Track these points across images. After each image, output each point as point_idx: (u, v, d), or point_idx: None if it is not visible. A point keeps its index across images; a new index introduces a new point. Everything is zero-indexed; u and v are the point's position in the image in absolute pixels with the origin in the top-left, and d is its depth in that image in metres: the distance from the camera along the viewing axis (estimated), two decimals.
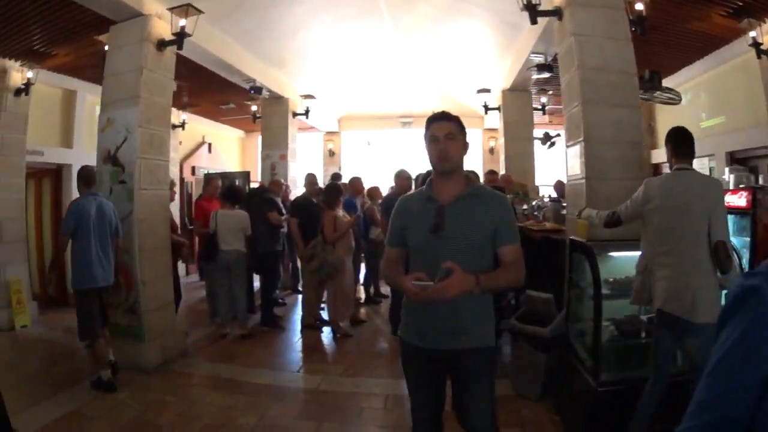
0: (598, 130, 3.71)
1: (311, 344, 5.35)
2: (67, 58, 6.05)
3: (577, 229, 3.68)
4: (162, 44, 4.69)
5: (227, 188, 5.73)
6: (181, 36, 4.61)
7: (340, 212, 5.37)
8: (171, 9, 4.60)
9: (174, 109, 9.03)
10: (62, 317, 6.12)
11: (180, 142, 9.68)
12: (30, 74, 6.06)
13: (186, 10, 4.57)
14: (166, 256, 4.90)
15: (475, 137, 11.04)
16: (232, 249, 5.33)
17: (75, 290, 4.06)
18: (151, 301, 4.58)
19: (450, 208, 1.91)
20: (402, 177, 5.51)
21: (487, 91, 8.10)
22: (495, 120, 9.38)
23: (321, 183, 9.57)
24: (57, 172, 7.24)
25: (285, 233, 6.20)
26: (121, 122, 4.56)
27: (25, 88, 6.09)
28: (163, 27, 4.69)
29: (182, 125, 9.45)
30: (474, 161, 10.68)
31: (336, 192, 5.39)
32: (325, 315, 5.80)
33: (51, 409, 3.61)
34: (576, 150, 3.89)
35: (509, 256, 1.91)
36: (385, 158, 11.74)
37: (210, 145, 11.07)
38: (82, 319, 3.94)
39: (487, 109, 8.18)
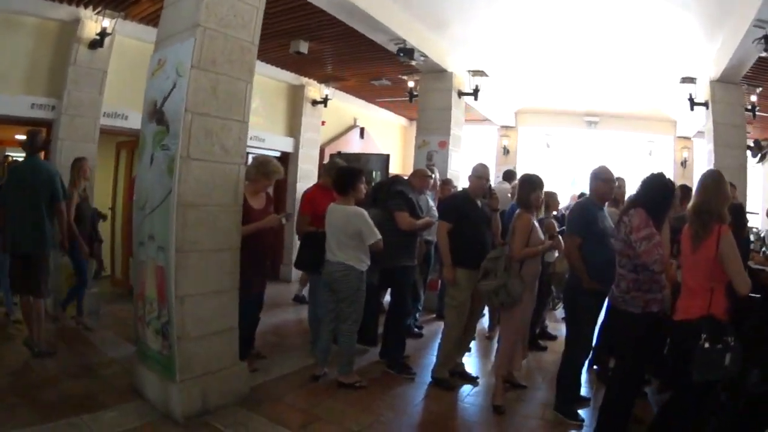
0: None
1: (436, 413, 3.43)
2: (157, 5, 4.94)
3: None
4: None
5: (339, 170, 3.95)
6: None
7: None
8: None
9: (315, 82, 8.16)
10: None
11: (323, 122, 8.54)
12: (106, 23, 5.12)
13: None
14: (231, 261, 3.31)
15: (665, 146, 9.98)
16: (336, 261, 3.68)
17: None
18: (194, 325, 3.09)
19: None
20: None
21: (692, 80, 6.34)
22: (688, 127, 8.67)
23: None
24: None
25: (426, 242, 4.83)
26: (172, 62, 3.15)
27: (100, 40, 5.17)
28: None
29: (324, 101, 8.27)
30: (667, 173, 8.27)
31: (535, 185, 3.58)
32: (468, 366, 4.16)
33: None
34: None
35: None
36: (566, 161, 10.41)
37: (363, 129, 9.71)
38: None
39: (693, 103, 6.40)
